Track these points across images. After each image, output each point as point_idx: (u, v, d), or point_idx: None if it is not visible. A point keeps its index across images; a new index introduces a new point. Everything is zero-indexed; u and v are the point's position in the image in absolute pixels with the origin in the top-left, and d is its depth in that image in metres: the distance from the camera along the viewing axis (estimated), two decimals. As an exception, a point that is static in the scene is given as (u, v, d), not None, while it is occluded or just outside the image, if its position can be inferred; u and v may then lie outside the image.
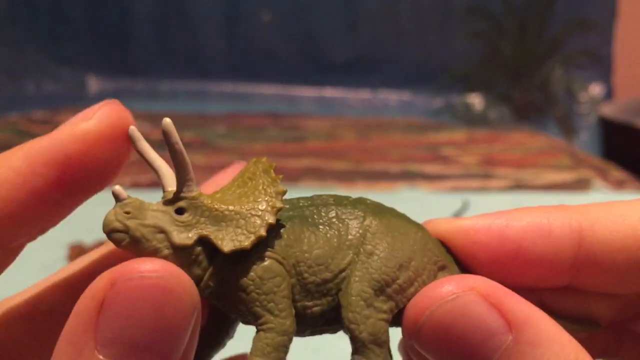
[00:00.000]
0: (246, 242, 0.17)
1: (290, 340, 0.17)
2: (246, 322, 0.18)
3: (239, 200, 0.18)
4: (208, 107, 1.50)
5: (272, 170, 0.18)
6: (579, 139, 1.50)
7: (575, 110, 1.53)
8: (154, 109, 1.45)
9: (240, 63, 1.57)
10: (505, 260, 0.19)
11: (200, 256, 0.17)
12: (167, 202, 0.17)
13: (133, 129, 0.17)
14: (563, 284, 0.19)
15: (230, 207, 0.17)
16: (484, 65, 1.55)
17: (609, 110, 1.45)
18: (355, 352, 0.18)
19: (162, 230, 0.17)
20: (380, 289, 0.18)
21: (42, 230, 0.19)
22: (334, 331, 0.19)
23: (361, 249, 0.18)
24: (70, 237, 0.67)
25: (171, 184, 0.17)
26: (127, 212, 0.17)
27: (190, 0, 1.53)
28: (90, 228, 0.79)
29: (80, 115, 0.18)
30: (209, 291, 0.17)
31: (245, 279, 0.17)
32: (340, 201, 0.19)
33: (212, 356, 0.19)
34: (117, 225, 0.16)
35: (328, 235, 0.18)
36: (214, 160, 1.11)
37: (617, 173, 1.08)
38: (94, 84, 1.55)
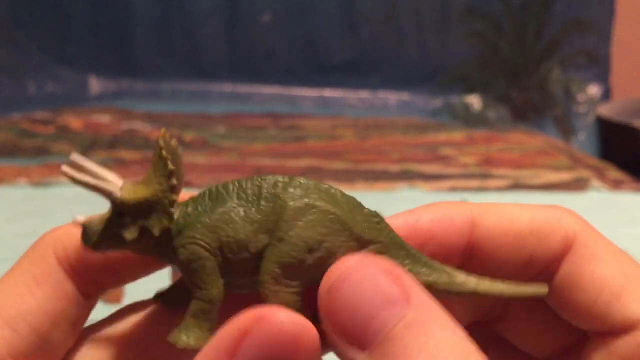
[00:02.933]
0: (165, 222, 0.21)
1: (217, 306, 0.21)
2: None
3: (152, 184, 0.21)
4: (209, 107, 1.51)
5: (162, 152, 0.20)
6: (577, 139, 1.51)
7: (573, 110, 1.54)
8: (155, 110, 1.46)
9: (240, 64, 1.58)
10: (419, 246, 0.22)
11: (150, 242, 0.21)
12: (111, 211, 0.21)
13: (66, 169, 0.20)
14: (456, 264, 0.23)
15: (147, 196, 0.21)
16: (483, 66, 1.56)
17: (607, 110, 1.46)
18: None
19: (116, 235, 0.21)
20: (289, 270, 0.20)
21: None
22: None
23: (275, 235, 0.21)
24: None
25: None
26: (90, 232, 0.21)
27: (191, 1, 1.53)
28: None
29: None
30: (165, 260, 0.22)
31: (177, 261, 0.21)
32: (273, 185, 0.21)
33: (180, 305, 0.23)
34: (89, 245, 0.21)
35: (251, 220, 0.21)
36: (215, 161, 1.12)
37: (615, 173, 1.09)
38: (95, 84, 1.56)
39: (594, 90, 1.54)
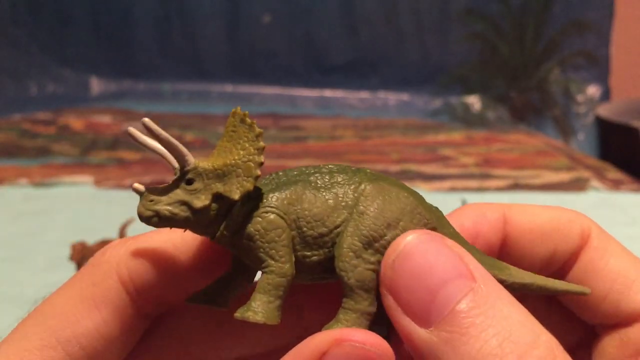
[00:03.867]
0: (248, 184, 0.20)
1: (288, 282, 0.20)
2: (256, 268, 0.21)
3: (231, 152, 0.21)
4: (209, 108, 1.51)
5: (247, 118, 0.21)
6: (576, 140, 1.51)
7: (572, 111, 1.54)
8: (156, 110, 1.46)
9: (241, 64, 1.58)
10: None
11: (218, 211, 0.20)
12: (177, 180, 0.20)
13: (131, 130, 0.20)
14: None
15: (227, 162, 0.20)
16: (482, 66, 1.56)
17: (605, 111, 1.46)
18: (345, 295, 0.20)
19: (183, 202, 0.20)
20: (369, 243, 0.20)
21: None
22: (335, 279, 0.21)
23: (355, 210, 0.21)
24: (73, 236, 0.67)
25: (174, 162, 0.21)
26: (151, 200, 0.20)
27: (191, 2, 1.53)
28: (91, 228, 0.80)
29: None
30: (225, 240, 0.21)
31: (252, 229, 0.20)
32: (343, 170, 0.22)
33: (234, 295, 0.22)
34: (149, 213, 0.20)
35: (326, 197, 0.21)
36: (215, 161, 1.12)
37: (614, 173, 1.09)
38: (96, 85, 1.56)
39: (593, 90, 1.54)
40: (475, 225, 0.24)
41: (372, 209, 0.21)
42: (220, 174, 0.20)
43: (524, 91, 1.56)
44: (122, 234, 0.65)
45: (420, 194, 0.23)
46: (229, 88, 1.58)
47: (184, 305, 0.23)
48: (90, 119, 1.37)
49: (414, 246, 0.19)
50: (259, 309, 0.20)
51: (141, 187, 0.20)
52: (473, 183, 1.01)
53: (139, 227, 0.21)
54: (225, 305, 0.22)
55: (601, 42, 1.53)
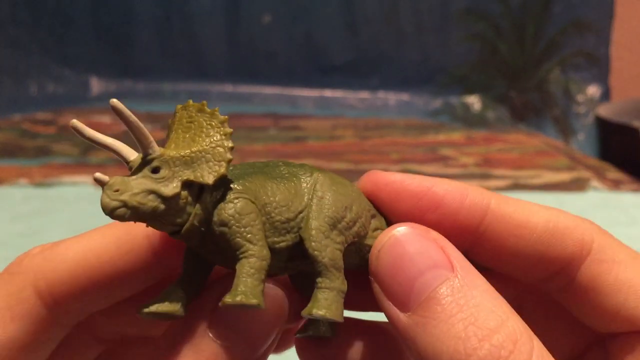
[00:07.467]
0: (221, 169, 0.20)
1: (268, 265, 0.20)
2: (225, 264, 0.21)
3: (195, 141, 0.20)
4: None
5: (205, 108, 0.20)
6: (576, 140, 1.51)
7: (572, 111, 1.54)
8: (156, 110, 1.46)
9: (241, 64, 1.58)
10: (425, 210, 0.23)
11: (188, 200, 0.20)
12: (140, 168, 0.19)
13: (75, 122, 0.19)
14: (464, 247, 0.23)
15: (193, 149, 0.20)
16: (482, 66, 1.56)
17: (605, 111, 1.46)
18: (319, 275, 0.21)
19: (151, 191, 0.19)
20: (333, 225, 0.21)
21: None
22: (296, 268, 0.22)
23: (314, 195, 0.22)
24: (70, 235, 0.68)
25: (130, 154, 0.20)
26: (117, 190, 0.19)
27: (191, 2, 1.53)
28: (91, 228, 0.80)
29: None
30: (193, 233, 0.20)
31: (226, 214, 0.20)
32: (289, 163, 0.23)
33: (188, 303, 0.21)
34: (115, 204, 0.18)
35: (286, 185, 0.22)
36: (215, 161, 1.12)
37: (614, 173, 1.09)
38: (96, 85, 1.56)
39: (593, 90, 1.54)
40: (446, 194, 0.23)
41: (329, 194, 0.22)
42: (188, 161, 0.20)
43: (524, 91, 1.56)
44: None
45: None
46: (229, 88, 1.58)
47: (102, 312, 0.23)
48: (90, 119, 1.37)
49: (399, 237, 0.20)
50: (249, 292, 0.19)
51: (105, 177, 0.19)
52: (473, 183, 1.01)
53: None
54: (181, 314, 0.21)
55: (601, 42, 1.53)
